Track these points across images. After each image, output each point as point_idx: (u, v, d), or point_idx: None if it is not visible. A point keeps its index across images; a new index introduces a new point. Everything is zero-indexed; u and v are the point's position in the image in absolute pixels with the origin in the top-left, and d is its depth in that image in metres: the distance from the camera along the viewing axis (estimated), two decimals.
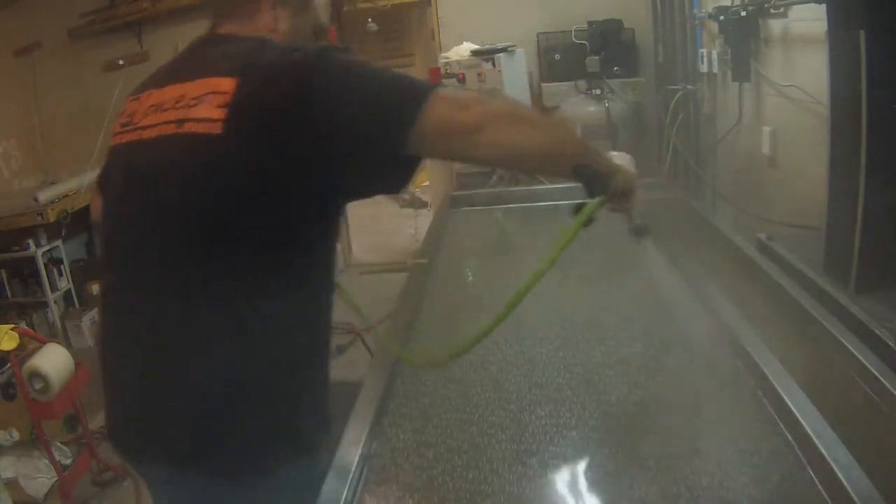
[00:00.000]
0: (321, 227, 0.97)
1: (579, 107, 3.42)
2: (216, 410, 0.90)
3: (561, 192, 2.73)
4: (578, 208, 1.05)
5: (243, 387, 0.91)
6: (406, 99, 0.86)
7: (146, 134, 0.91)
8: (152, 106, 0.93)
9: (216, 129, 0.84)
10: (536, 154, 0.97)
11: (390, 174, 0.91)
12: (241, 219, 0.87)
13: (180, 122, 0.88)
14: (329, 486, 1.00)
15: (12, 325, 2.56)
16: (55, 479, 2.58)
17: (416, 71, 5.73)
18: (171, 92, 0.92)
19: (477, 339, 1.03)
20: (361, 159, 0.87)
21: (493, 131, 0.88)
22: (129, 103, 1.00)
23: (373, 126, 0.85)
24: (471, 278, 2.10)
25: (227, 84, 0.86)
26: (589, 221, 1.04)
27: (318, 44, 1.02)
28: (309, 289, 0.98)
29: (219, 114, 0.84)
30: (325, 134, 0.84)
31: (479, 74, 3.23)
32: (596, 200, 1.04)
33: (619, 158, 1.21)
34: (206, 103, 0.86)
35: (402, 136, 0.85)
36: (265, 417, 0.93)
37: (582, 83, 3.49)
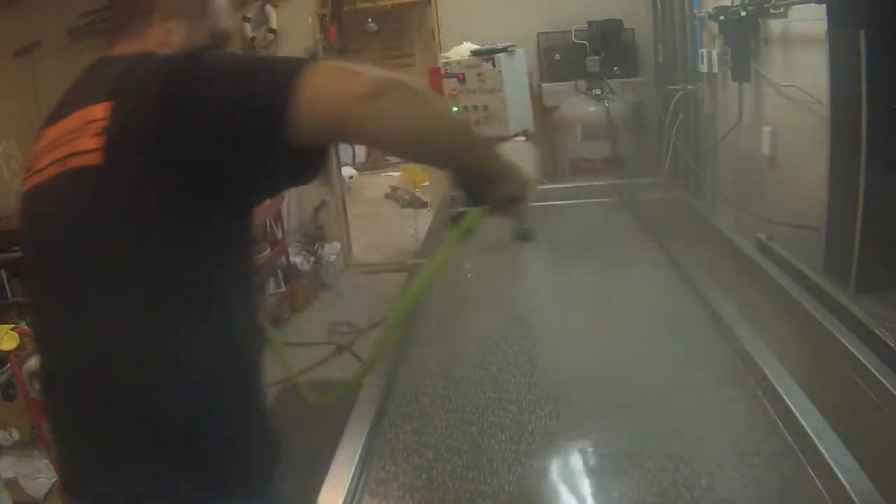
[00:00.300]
0: (229, 239, 0.88)
1: (579, 107, 3.42)
2: (142, 456, 0.84)
3: (561, 192, 2.74)
4: (457, 218, 0.97)
5: (163, 427, 0.84)
6: (279, 76, 0.77)
7: (41, 178, 0.86)
8: (46, 146, 0.87)
9: (96, 159, 0.78)
10: (433, 136, 0.87)
11: (293, 164, 0.82)
12: (141, 248, 0.80)
13: (63, 159, 0.82)
14: (329, 486, 1.00)
15: (12, 325, 2.56)
16: (55, 479, 2.58)
17: (417, 71, 5.73)
18: (59, 128, 0.86)
19: (363, 371, 0.97)
20: (250, 155, 0.79)
21: (390, 102, 0.79)
22: (33, 146, 0.93)
23: (250, 114, 0.77)
24: (470, 277, 2.10)
25: (101, 110, 0.80)
26: (468, 233, 0.96)
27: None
28: (224, 314, 0.88)
29: (96, 142, 0.78)
30: (205, 137, 0.77)
31: (479, 74, 3.23)
32: (475, 212, 0.96)
33: (519, 150, 1.13)
34: (84, 134, 0.80)
35: (282, 117, 0.75)
36: (188, 454, 0.85)
37: (582, 83, 3.49)
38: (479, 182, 0.96)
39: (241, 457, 0.90)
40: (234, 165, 0.79)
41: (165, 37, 0.93)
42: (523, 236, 1.11)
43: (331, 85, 0.78)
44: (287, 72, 0.77)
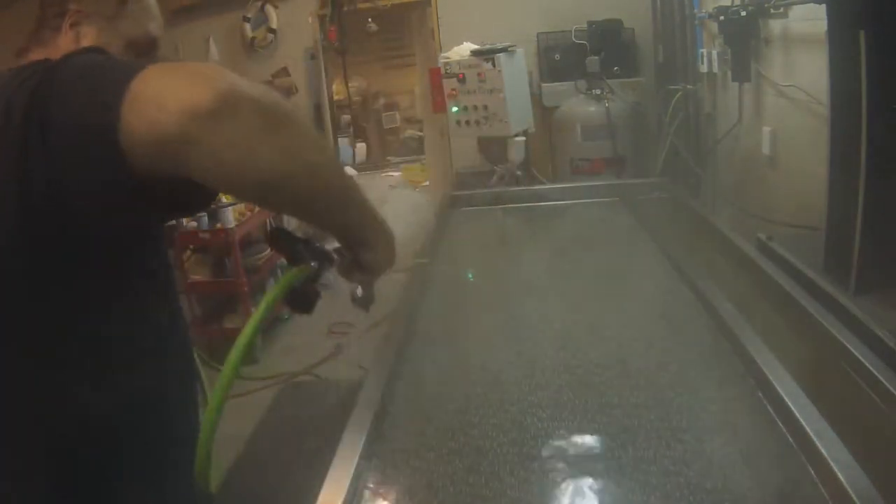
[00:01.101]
0: (110, 281, 0.77)
1: (579, 107, 3.42)
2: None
3: (562, 192, 2.74)
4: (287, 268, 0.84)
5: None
6: (111, 86, 0.62)
7: None
8: None
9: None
10: (293, 186, 0.67)
11: (153, 195, 0.66)
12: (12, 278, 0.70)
13: None
14: (329, 488, 1.00)
15: None
16: None
17: (416, 71, 5.72)
18: None
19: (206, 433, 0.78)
20: (92, 182, 0.65)
21: (237, 125, 0.60)
22: None
23: (87, 134, 0.62)
24: (471, 278, 2.10)
25: None
26: (290, 294, 0.82)
27: (128, 59, 0.87)
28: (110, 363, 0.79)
29: None
30: (51, 163, 0.64)
31: (479, 74, 3.23)
32: (302, 272, 0.82)
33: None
34: None
35: (109, 137, 0.61)
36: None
37: (582, 83, 3.49)
38: (309, 247, 0.82)
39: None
40: (80, 194, 0.66)
41: (75, 43, 0.86)
42: (362, 303, 0.95)
43: (158, 93, 0.61)
44: (120, 80, 0.62)
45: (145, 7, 0.93)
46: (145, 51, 0.91)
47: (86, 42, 0.86)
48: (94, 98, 0.63)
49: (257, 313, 0.79)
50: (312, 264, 0.84)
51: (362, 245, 0.83)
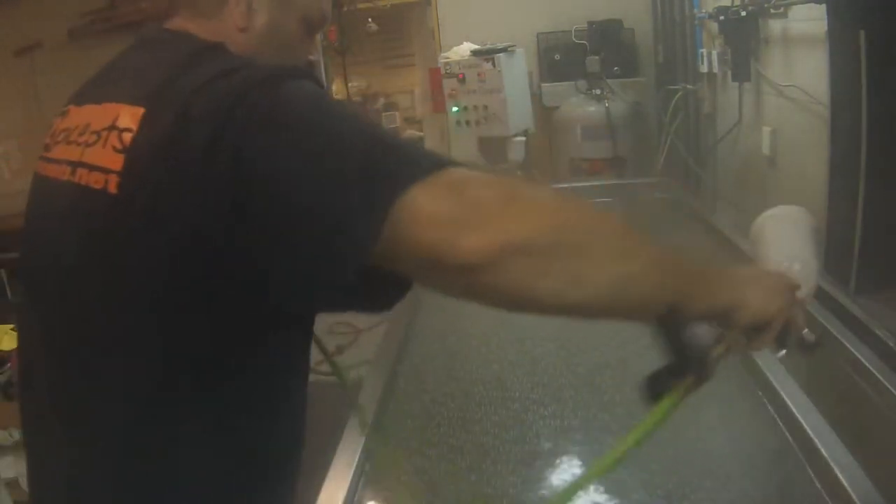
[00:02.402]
0: (267, 342, 0.63)
1: (579, 107, 3.42)
2: None
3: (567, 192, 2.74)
4: (655, 385, 0.69)
5: None
6: (377, 181, 0.51)
7: (50, 171, 0.67)
8: (64, 130, 0.68)
9: (111, 185, 0.57)
10: (606, 298, 0.57)
11: (361, 287, 0.53)
12: (146, 324, 0.58)
13: (75, 165, 0.62)
14: (330, 486, 1.00)
15: (12, 325, 2.56)
16: None
17: (417, 71, 5.72)
18: (84, 115, 0.66)
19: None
20: (303, 260, 0.54)
21: (514, 273, 0.51)
22: (56, 119, 0.73)
23: (316, 216, 0.52)
24: None
25: (130, 117, 0.59)
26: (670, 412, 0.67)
27: (300, 51, 0.76)
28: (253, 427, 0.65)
29: (116, 162, 0.58)
30: (250, 211, 0.53)
31: (479, 74, 3.24)
32: (680, 388, 0.68)
33: (789, 224, 0.81)
34: (103, 142, 0.60)
35: (357, 241, 0.51)
36: None
37: (582, 83, 3.49)
38: (687, 343, 0.65)
39: None
40: (285, 265, 0.55)
41: (245, 19, 0.69)
42: (805, 345, 0.78)
43: (434, 222, 0.50)
44: (392, 182, 0.51)
45: None
46: (317, 29, 0.77)
47: (258, 19, 0.70)
48: (333, 185, 0.52)
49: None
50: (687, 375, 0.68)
51: (729, 311, 0.66)
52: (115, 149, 0.59)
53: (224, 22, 0.69)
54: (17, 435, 2.68)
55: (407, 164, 0.52)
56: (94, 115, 0.63)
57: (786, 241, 0.80)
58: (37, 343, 0.68)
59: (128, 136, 0.58)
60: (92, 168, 0.60)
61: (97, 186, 0.59)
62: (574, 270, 0.54)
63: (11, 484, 2.57)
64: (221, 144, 0.53)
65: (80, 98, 0.70)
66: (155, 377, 0.60)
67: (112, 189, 0.58)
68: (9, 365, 2.52)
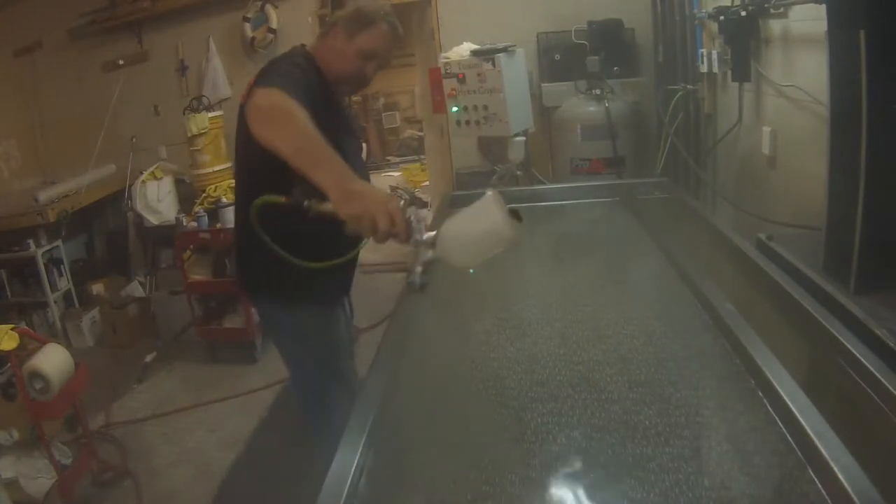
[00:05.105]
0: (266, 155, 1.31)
1: (579, 107, 3.42)
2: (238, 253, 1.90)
3: (562, 192, 2.74)
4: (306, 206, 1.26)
5: (241, 239, 1.84)
6: (272, 81, 1.43)
7: (242, 100, 1.60)
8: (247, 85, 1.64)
9: (243, 101, 1.55)
10: (297, 151, 1.22)
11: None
12: (245, 152, 1.69)
13: (245, 96, 1.57)
14: (330, 484, 1.00)
15: (12, 325, 2.56)
16: (55, 479, 2.58)
17: (417, 71, 5.72)
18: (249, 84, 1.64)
19: None
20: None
21: (276, 124, 1.27)
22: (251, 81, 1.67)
23: (264, 86, 1.41)
24: (472, 274, 2.10)
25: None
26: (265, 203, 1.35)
27: (356, 69, 1.74)
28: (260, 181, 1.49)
29: (244, 97, 1.56)
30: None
31: (479, 74, 3.24)
32: (278, 199, 1.31)
33: (483, 206, 1.28)
34: (247, 89, 1.59)
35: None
36: (248, 260, 1.85)
37: (582, 83, 3.49)
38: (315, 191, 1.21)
39: (264, 270, 1.76)
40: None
41: (328, 42, 1.75)
42: (411, 283, 1.25)
43: (254, 103, 1.33)
44: (268, 82, 1.44)
45: (377, 34, 1.71)
46: (369, 60, 1.73)
47: (337, 42, 1.73)
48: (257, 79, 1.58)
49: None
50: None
51: (324, 188, 1.21)
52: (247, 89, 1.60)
53: (322, 42, 1.77)
54: (16, 435, 2.68)
55: (276, 81, 1.44)
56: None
57: (461, 216, 1.30)
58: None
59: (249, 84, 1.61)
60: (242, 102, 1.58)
61: (242, 102, 1.56)
62: (286, 144, 1.25)
63: (11, 484, 2.57)
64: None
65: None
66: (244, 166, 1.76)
67: (242, 101, 1.56)
68: (9, 365, 2.53)
